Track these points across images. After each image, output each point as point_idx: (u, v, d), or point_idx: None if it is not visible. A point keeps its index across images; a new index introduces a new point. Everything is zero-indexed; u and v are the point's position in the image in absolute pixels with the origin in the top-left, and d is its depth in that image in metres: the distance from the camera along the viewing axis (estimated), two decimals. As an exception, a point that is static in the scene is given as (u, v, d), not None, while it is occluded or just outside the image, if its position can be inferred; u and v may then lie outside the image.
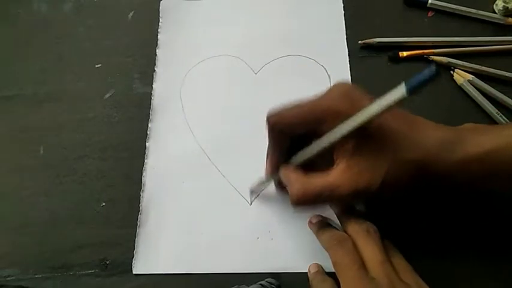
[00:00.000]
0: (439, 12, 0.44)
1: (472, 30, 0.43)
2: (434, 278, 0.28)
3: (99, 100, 0.42)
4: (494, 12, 0.43)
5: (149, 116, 0.41)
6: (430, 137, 0.28)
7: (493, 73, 0.40)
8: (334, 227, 0.32)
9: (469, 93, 0.40)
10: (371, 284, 0.26)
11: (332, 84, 0.30)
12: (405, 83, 0.22)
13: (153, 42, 0.44)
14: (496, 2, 0.43)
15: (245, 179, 0.37)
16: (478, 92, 0.39)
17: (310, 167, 0.30)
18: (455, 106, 0.40)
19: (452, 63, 0.41)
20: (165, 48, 0.44)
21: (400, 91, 0.23)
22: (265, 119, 0.30)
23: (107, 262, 0.36)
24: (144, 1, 0.47)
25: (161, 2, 0.47)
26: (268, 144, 0.32)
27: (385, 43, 0.42)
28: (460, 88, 0.40)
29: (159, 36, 0.45)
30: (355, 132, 0.26)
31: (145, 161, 0.39)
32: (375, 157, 0.28)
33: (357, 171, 0.28)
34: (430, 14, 0.44)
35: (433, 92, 0.40)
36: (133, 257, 0.35)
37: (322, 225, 0.32)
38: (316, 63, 0.42)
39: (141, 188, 0.38)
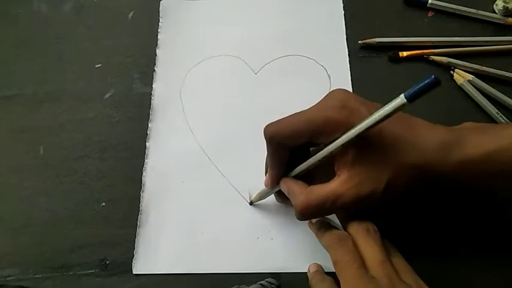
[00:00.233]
0: (439, 12, 0.44)
1: (472, 30, 0.43)
2: (434, 277, 0.28)
3: (99, 100, 0.42)
4: (494, 12, 0.43)
5: (149, 116, 0.41)
6: (430, 139, 0.28)
7: (493, 73, 0.40)
8: (334, 227, 0.32)
9: (469, 93, 0.40)
10: (371, 283, 0.26)
11: (331, 86, 0.30)
12: (405, 92, 0.23)
13: (153, 42, 0.44)
14: (496, 2, 0.43)
15: (245, 179, 0.37)
16: (478, 92, 0.40)
17: (310, 179, 0.30)
18: (455, 106, 0.40)
19: (452, 63, 0.41)
20: (165, 48, 0.44)
21: (399, 99, 0.23)
22: (263, 131, 0.30)
23: (107, 262, 0.36)
24: (144, 1, 0.47)
25: (161, 2, 0.47)
26: (268, 157, 0.32)
27: (385, 43, 0.42)
28: (460, 88, 0.40)
29: (159, 36, 0.45)
30: (355, 141, 0.26)
31: (145, 161, 0.39)
32: (376, 165, 0.27)
33: (358, 180, 0.27)
34: (430, 14, 0.44)
35: (433, 92, 0.39)
36: (133, 257, 0.36)
37: (322, 225, 0.32)
38: (316, 63, 0.42)
39: (141, 188, 0.38)
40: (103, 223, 0.37)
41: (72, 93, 0.42)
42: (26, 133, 0.41)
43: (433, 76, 0.22)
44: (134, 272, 0.35)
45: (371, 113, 0.25)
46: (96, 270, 0.35)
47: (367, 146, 0.27)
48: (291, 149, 0.30)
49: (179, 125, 0.40)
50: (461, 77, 0.40)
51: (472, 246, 0.34)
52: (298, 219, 0.30)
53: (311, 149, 0.31)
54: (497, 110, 0.38)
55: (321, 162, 0.29)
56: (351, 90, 0.40)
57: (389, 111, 0.24)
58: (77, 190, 0.38)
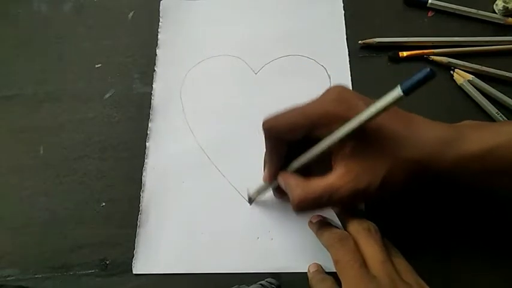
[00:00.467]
0: (439, 12, 0.44)
1: (472, 30, 0.43)
2: (434, 277, 0.28)
3: (99, 100, 0.42)
4: (494, 12, 0.43)
5: (149, 116, 0.41)
6: (428, 135, 0.28)
7: (493, 73, 0.40)
8: (335, 226, 0.32)
9: (469, 93, 0.40)
10: (372, 282, 0.26)
11: (331, 85, 0.30)
12: (401, 84, 0.23)
13: (153, 42, 0.44)
14: (496, 2, 0.43)
15: (245, 179, 0.37)
16: (478, 92, 0.40)
17: (307, 174, 0.30)
18: (455, 106, 0.40)
19: (452, 63, 0.41)
20: (165, 48, 0.44)
21: (395, 92, 0.23)
22: (261, 125, 0.30)
23: (107, 262, 0.36)
24: (144, 1, 0.47)
25: (161, 2, 0.47)
26: (266, 151, 0.32)
27: (385, 43, 0.42)
28: (460, 88, 0.40)
29: (159, 36, 0.45)
30: (352, 135, 0.26)
31: (145, 161, 0.39)
32: (373, 158, 0.28)
33: (355, 174, 0.28)
34: (430, 14, 0.44)
35: (433, 92, 0.40)
36: (133, 257, 0.35)
37: (322, 225, 0.32)
38: (316, 63, 0.42)
39: (141, 188, 0.38)
40: (103, 223, 0.37)
41: (72, 93, 0.42)
42: (26, 133, 0.41)
43: (428, 68, 0.22)
44: (134, 272, 0.35)
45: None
46: (96, 270, 0.35)
47: (365, 140, 0.27)
48: (289, 144, 0.30)
49: (179, 125, 0.40)
50: (461, 77, 0.40)
51: (473, 246, 0.34)
52: (295, 212, 0.30)
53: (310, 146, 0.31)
54: (497, 110, 0.38)
55: (319, 156, 0.29)
56: (350, 90, 0.40)
57: (386, 104, 0.24)
58: (77, 190, 0.38)
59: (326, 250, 0.30)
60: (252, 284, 0.32)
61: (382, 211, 0.34)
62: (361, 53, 0.43)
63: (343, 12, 0.45)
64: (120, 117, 0.41)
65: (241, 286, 0.32)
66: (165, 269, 0.35)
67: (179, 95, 0.42)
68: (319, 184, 0.28)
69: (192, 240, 0.36)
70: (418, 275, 0.28)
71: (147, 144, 0.40)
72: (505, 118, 0.38)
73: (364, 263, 0.27)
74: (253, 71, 0.42)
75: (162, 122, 0.41)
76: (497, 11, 0.43)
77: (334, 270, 0.28)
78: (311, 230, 0.33)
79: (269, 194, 0.36)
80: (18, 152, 0.40)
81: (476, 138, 0.28)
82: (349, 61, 0.42)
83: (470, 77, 0.40)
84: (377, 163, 0.27)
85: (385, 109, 0.24)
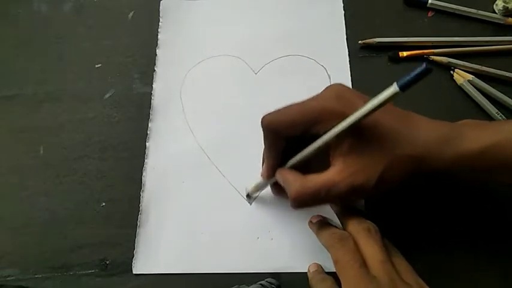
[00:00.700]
0: (439, 12, 0.44)
1: (472, 30, 0.43)
2: (434, 277, 0.28)
3: (99, 100, 0.42)
4: (494, 12, 0.43)
5: (149, 116, 0.41)
6: (427, 133, 0.28)
7: (493, 73, 0.40)
8: (335, 226, 0.32)
9: (469, 93, 0.40)
10: (372, 282, 0.26)
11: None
12: (397, 81, 0.23)
13: (153, 42, 0.44)
14: (496, 2, 0.43)
15: (245, 179, 0.37)
16: (478, 92, 0.40)
17: (306, 171, 0.30)
18: (455, 106, 0.40)
19: (452, 63, 0.41)
20: (165, 48, 0.44)
21: (392, 88, 0.23)
22: (260, 122, 0.30)
23: (107, 262, 0.36)
24: (144, 1, 0.47)
25: (161, 2, 0.47)
26: (264, 147, 0.32)
27: (385, 43, 0.42)
28: (460, 88, 0.40)
29: (159, 36, 0.45)
30: (350, 131, 0.26)
31: (146, 161, 0.39)
32: (370, 155, 0.28)
33: (353, 169, 0.28)
34: (430, 14, 0.44)
35: (433, 92, 0.40)
36: (133, 257, 0.35)
37: (322, 225, 0.32)
38: (316, 63, 0.42)
39: (141, 188, 0.38)
40: (103, 223, 0.37)
41: (72, 93, 0.42)
42: (26, 133, 0.41)
43: (424, 64, 0.22)
44: (134, 272, 0.35)
45: None
46: (96, 270, 0.35)
47: (363, 137, 0.27)
48: (287, 141, 0.30)
49: (179, 125, 0.40)
50: (461, 77, 0.40)
51: (473, 246, 0.34)
52: (293, 207, 0.30)
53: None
54: (497, 110, 0.38)
55: (317, 152, 0.29)
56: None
57: (383, 99, 0.24)
58: (77, 190, 0.38)
59: (326, 250, 0.30)
60: (252, 284, 0.32)
61: (382, 211, 0.34)
62: (361, 53, 0.43)
63: (343, 12, 0.45)
64: (120, 117, 0.41)
65: (241, 286, 0.32)
66: (165, 269, 0.35)
67: (179, 95, 0.42)
68: (317, 179, 0.29)
69: (192, 240, 0.36)
70: (418, 274, 0.28)
71: (147, 144, 0.40)
72: (504, 118, 0.38)
73: (364, 263, 0.27)
74: (253, 71, 0.42)
75: (162, 122, 0.41)
76: (497, 11, 0.43)
77: (334, 270, 0.28)
78: (311, 230, 0.33)
79: (268, 193, 0.36)
80: (18, 152, 0.40)
81: (476, 137, 0.28)
82: (349, 61, 0.42)
83: (470, 77, 0.40)
84: (375, 159, 0.28)
85: (382, 105, 0.24)
